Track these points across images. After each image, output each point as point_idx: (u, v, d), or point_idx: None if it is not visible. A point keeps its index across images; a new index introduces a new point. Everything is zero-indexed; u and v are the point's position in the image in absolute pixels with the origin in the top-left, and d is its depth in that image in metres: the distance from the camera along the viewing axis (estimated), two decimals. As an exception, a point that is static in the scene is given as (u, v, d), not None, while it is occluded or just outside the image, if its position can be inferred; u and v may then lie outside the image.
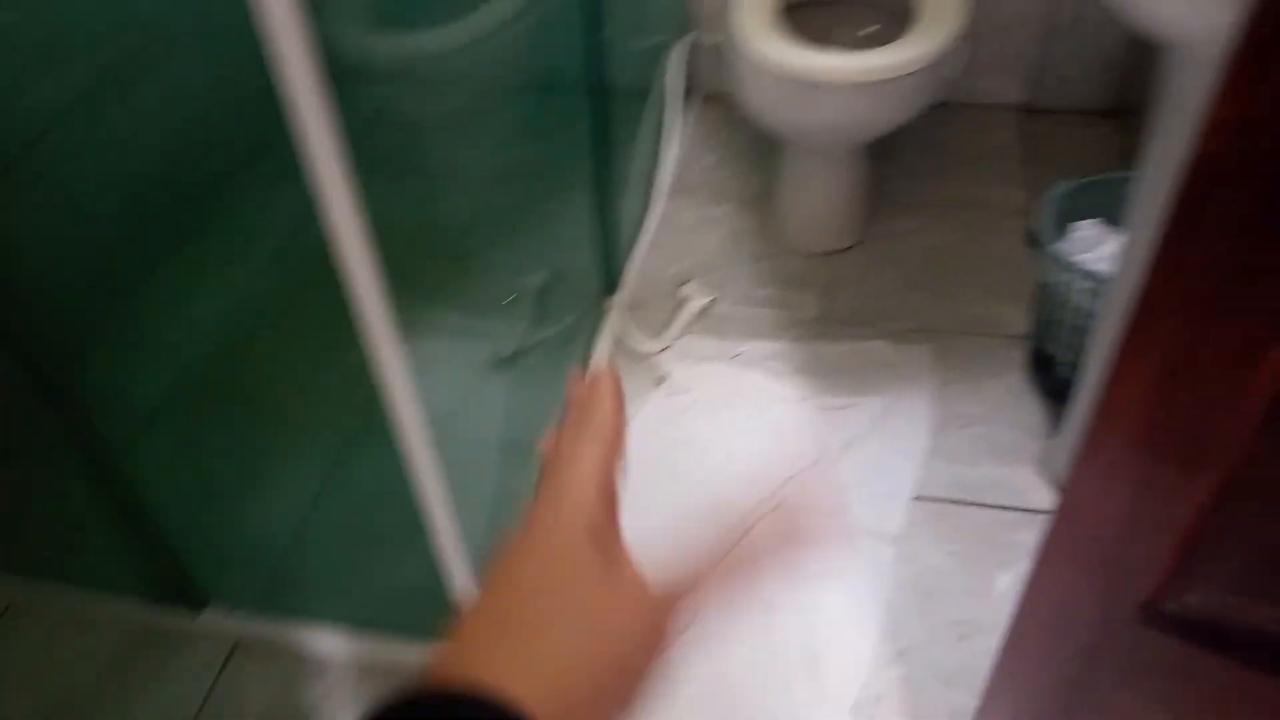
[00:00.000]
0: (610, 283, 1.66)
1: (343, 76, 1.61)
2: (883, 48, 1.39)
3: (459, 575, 1.09)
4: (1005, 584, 1.27)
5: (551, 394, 1.51)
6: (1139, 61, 1.77)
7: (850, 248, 1.75)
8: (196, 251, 1.35)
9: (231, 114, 1.33)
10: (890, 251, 1.74)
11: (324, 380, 1.40)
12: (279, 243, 1.43)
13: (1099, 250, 1.31)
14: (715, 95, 2.08)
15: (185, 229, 1.34)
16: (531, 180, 1.76)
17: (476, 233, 1.69)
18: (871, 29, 1.63)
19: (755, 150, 1.96)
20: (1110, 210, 1.37)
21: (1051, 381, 1.42)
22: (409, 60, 1.57)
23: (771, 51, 1.41)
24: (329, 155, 0.78)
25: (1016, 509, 1.35)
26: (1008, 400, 1.48)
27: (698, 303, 1.66)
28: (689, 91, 2.08)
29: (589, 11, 1.42)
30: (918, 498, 1.37)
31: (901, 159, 1.90)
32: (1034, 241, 1.39)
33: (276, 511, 1.41)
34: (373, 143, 1.60)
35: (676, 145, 1.93)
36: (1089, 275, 1.24)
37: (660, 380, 1.57)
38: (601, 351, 1.59)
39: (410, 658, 1.25)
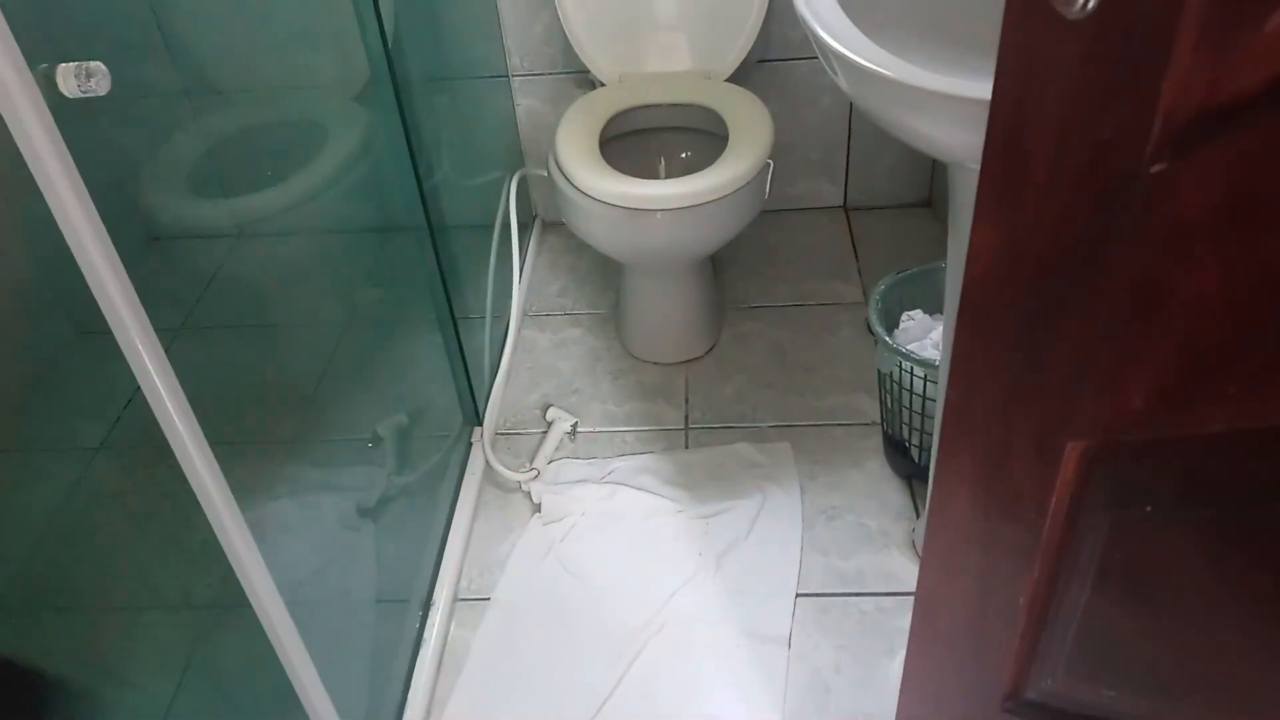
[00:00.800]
0: (473, 416, 1.65)
1: (168, 242, 1.58)
2: (701, 172, 1.46)
3: (335, 751, 1.03)
4: (895, 671, 1.29)
5: (421, 540, 1.47)
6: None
7: (704, 354, 1.79)
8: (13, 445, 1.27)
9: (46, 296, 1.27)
10: (743, 353, 1.79)
11: (173, 561, 1.33)
12: (106, 425, 1.36)
13: (928, 338, 1.39)
14: (554, 222, 2.13)
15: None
16: (380, 323, 1.75)
17: (327, 382, 1.65)
18: (687, 154, 1.72)
19: (600, 270, 2.01)
20: (934, 298, 1.46)
21: (908, 465, 1.48)
22: (239, 222, 1.55)
23: (596, 185, 1.46)
24: (138, 326, 0.75)
25: (895, 594, 1.38)
26: (871, 487, 1.52)
27: (563, 426, 1.66)
28: (529, 221, 2.13)
29: (419, 156, 1.44)
30: (801, 595, 1.38)
31: (741, 264, 1.99)
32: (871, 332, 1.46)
33: (137, 706, 1.30)
34: (206, 303, 1.57)
35: (523, 273, 1.96)
36: (921, 363, 1.31)
37: (535, 509, 1.55)
38: (471, 487, 1.56)
39: None
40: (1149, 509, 0.51)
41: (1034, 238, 0.49)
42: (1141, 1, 0.40)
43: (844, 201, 2.12)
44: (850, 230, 2.07)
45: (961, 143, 0.82)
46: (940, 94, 0.76)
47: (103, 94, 0.67)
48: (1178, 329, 0.45)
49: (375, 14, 1.35)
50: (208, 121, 1.66)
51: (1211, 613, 0.52)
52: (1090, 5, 0.42)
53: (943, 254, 1.17)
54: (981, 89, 0.75)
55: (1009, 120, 0.47)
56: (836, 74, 0.90)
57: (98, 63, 0.68)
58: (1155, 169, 0.42)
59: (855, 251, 2.01)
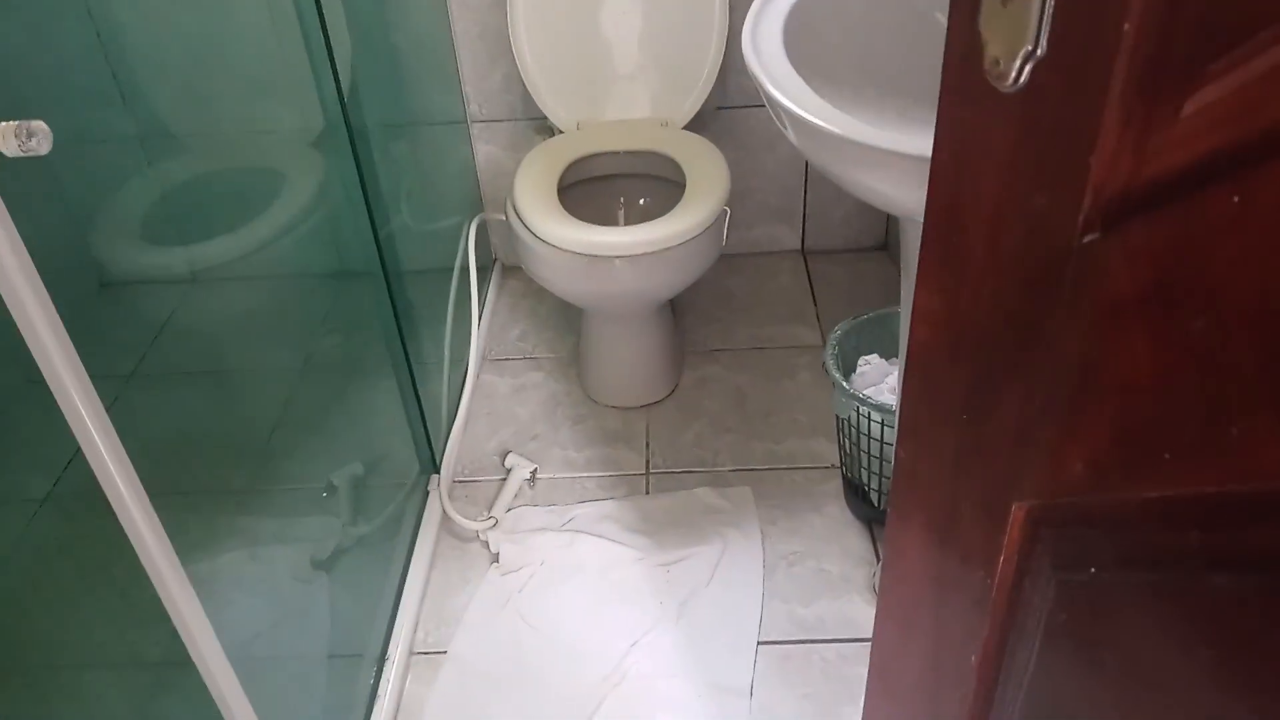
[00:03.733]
0: (430, 464, 1.63)
1: (119, 288, 1.55)
2: (659, 219, 1.47)
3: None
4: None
5: (376, 592, 1.44)
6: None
7: (664, 398, 1.79)
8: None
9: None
10: (702, 398, 1.79)
11: (119, 618, 1.29)
12: (45, 479, 1.33)
13: (884, 382, 1.40)
14: (514, 266, 2.13)
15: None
16: (335, 370, 1.73)
17: (281, 430, 1.62)
18: (645, 200, 1.74)
19: (560, 315, 2.01)
20: (890, 344, 1.48)
21: (868, 509, 1.48)
22: (192, 269, 1.53)
23: (554, 232, 1.46)
24: (76, 382, 0.73)
25: (856, 640, 1.37)
26: (831, 532, 1.52)
27: (522, 473, 1.65)
28: (488, 265, 2.13)
29: (375, 202, 1.44)
30: (762, 643, 1.37)
31: (700, 308, 2.00)
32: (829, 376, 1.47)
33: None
34: (157, 351, 1.54)
35: (482, 318, 1.95)
36: (878, 408, 1.31)
37: (493, 559, 1.53)
38: (428, 537, 1.54)
39: None
40: (1093, 571, 0.52)
41: (974, 307, 0.50)
42: (1069, 78, 0.41)
43: (802, 246, 2.15)
44: (808, 274, 2.09)
45: (906, 197, 0.83)
46: (881, 149, 0.78)
47: (44, 153, 0.66)
48: (1112, 403, 0.45)
49: (330, 62, 1.34)
50: (161, 168, 1.65)
51: (1158, 677, 0.52)
52: (1022, 80, 0.43)
53: (899, 298, 1.18)
54: (922, 145, 0.76)
55: (947, 190, 0.48)
56: (785, 127, 0.92)
57: (39, 122, 0.67)
58: (1087, 241, 0.42)
59: (813, 295, 2.03)
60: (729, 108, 1.91)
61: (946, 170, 0.47)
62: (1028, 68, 0.42)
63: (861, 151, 0.81)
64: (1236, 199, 0.41)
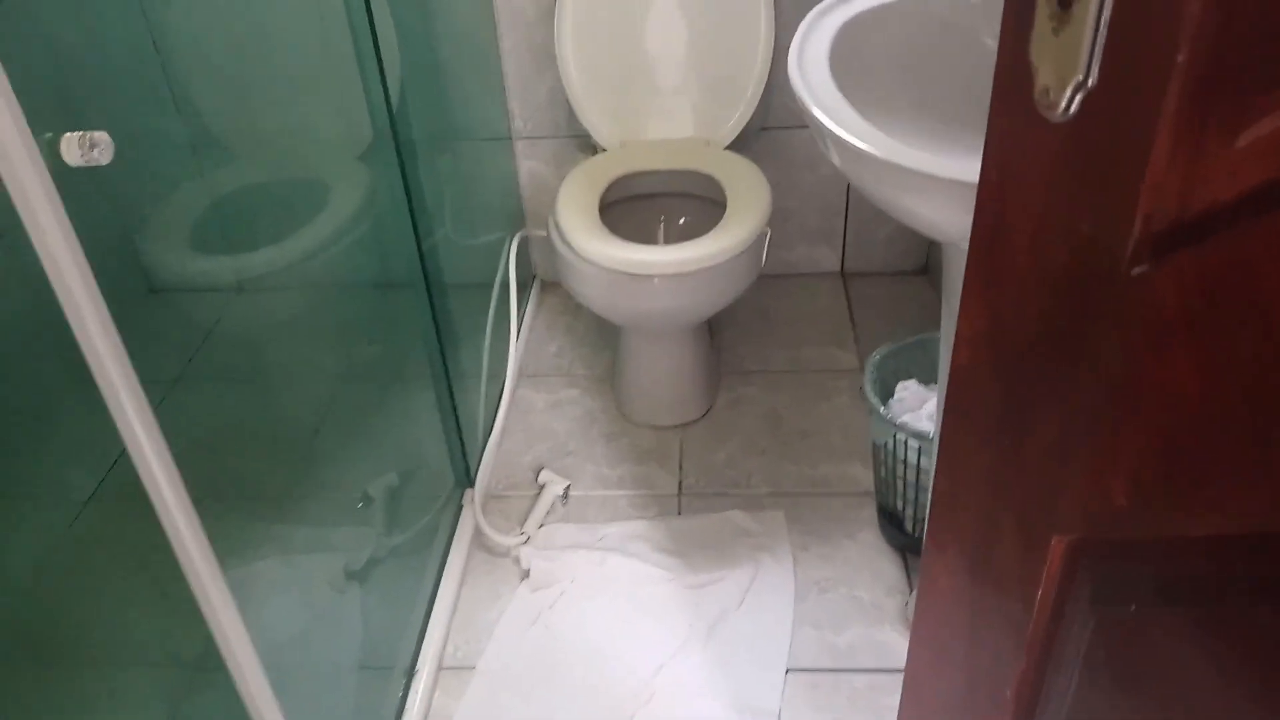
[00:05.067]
0: (465, 477, 1.64)
1: (168, 295, 1.58)
2: (699, 239, 1.47)
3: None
4: (885, 750, 1.26)
5: (407, 604, 1.45)
6: (938, 226, 1.94)
7: (699, 419, 1.79)
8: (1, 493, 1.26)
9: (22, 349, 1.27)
10: (737, 419, 1.79)
11: (158, 618, 1.31)
12: (90, 477, 1.36)
13: (923, 409, 1.39)
14: (553, 283, 2.14)
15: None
16: (375, 380, 1.75)
17: (320, 439, 1.64)
18: (685, 219, 1.74)
19: (597, 332, 2.01)
20: (928, 369, 1.46)
21: (902, 537, 1.47)
22: (239, 278, 1.56)
23: (595, 249, 1.47)
24: (126, 387, 0.75)
25: (888, 670, 1.35)
26: (865, 559, 1.51)
27: (555, 489, 1.65)
28: (527, 281, 2.14)
29: (420, 216, 1.46)
30: (791, 669, 1.36)
31: (737, 328, 1.99)
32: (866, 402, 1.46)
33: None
34: (202, 357, 1.57)
35: (520, 333, 1.97)
36: (916, 434, 1.30)
37: (524, 575, 1.53)
38: (460, 551, 1.55)
39: None
40: (1135, 606, 0.51)
41: (1017, 329, 0.49)
42: (1120, 109, 0.41)
43: (841, 267, 2.14)
44: (847, 296, 2.08)
45: (949, 222, 0.82)
46: (925, 174, 0.77)
47: (105, 163, 0.68)
48: (1157, 428, 0.45)
49: (380, 75, 1.37)
50: (212, 177, 1.69)
51: (1201, 712, 0.51)
52: (1072, 110, 0.42)
53: (938, 323, 1.17)
54: (967, 170, 0.76)
55: (994, 214, 0.47)
56: (829, 149, 0.92)
57: (102, 133, 0.69)
58: (1135, 271, 0.42)
59: (852, 317, 2.02)
60: (772, 128, 1.92)
61: (993, 194, 0.47)
62: (1078, 97, 0.41)
63: (905, 175, 0.80)
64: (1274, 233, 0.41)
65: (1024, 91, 0.45)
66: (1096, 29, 0.41)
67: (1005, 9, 0.45)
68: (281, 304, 1.65)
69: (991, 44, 1.02)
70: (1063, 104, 0.43)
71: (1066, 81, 0.42)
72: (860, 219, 2.06)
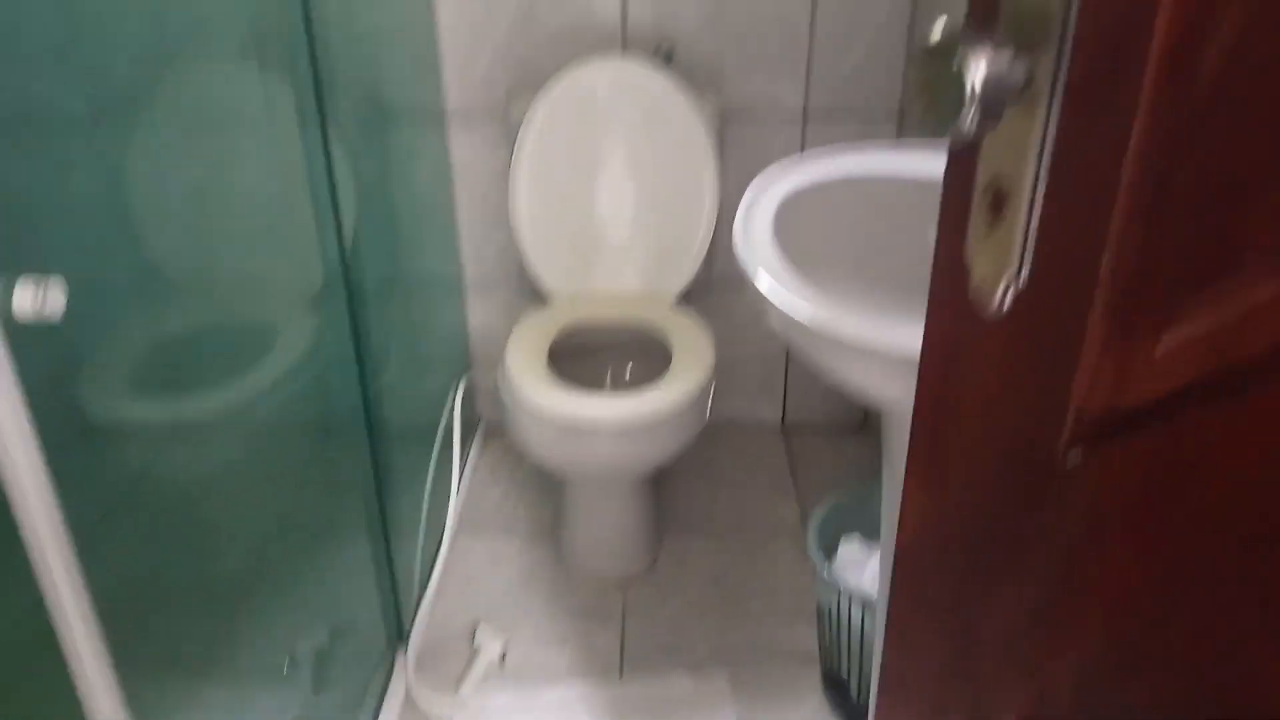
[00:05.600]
0: (398, 635, 1.57)
1: (102, 435, 1.53)
2: (646, 391, 1.48)
3: None
4: None
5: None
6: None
7: (643, 572, 1.76)
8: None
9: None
10: (681, 576, 1.76)
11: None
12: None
13: (865, 569, 1.38)
14: (497, 430, 2.13)
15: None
16: (309, 530, 1.69)
17: (249, 592, 1.57)
18: (631, 369, 1.77)
19: (541, 483, 1.99)
20: (872, 524, 1.47)
21: (848, 705, 1.43)
22: (178, 421, 1.52)
23: (542, 401, 1.47)
24: (50, 523, 0.71)
25: (834, 846, 1.29)
26: (810, 725, 1.46)
27: (492, 650, 1.59)
28: (471, 428, 2.13)
29: (366, 361, 1.45)
30: (734, 846, 1.29)
31: (681, 481, 1.99)
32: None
33: None
34: (132, 502, 1.51)
35: (462, 482, 1.94)
36: (860, 598, 1.29)
37: (455, 740, 1.45)
38: (390, 715, 1.46)
39: None
40: (1087, 799, 0.50)
41: (960, 516, 0.50)
42: (1051, 309, 0.43)
43: (782, 420, 2.17)
44: (789, 449, 2.10)
45: (887, 393, 0.85)
46: (864, 348, 0.80)
47: (56, 319, 0.68)
48: (1101, 616, 0.45)
49: (335, 222, 1.39)
50: (159, 319, 1.67)
51: None
52: (1005, 307, 0.44)
53: (879, 476, 1.18)
54: (904, 343, 0.78)
55: (934, 403, 0.49)
56: (773, 320, 0.94)
57: (57, 285, 0.68)
58: (1071, 463, 0.43)
59: (793, 471, 2.03)
60: (717, 282, 1.97)
61: (933, 385, 0.48)
62: (1009, 296, 0.44)
63: (843, 347, 0.83)
64: (1212, 426, 0.42)
65: (960, 287, 0.47)
66: (1026, 234, 0.44)
67: (942, 208, 0.48)
68: (218, 449, 1.61)
69: (931, 228, 1.08)
70: (996, 301, 0.45)
71: (1000, 280, 0.44)
72: (800, 373, 2.10)
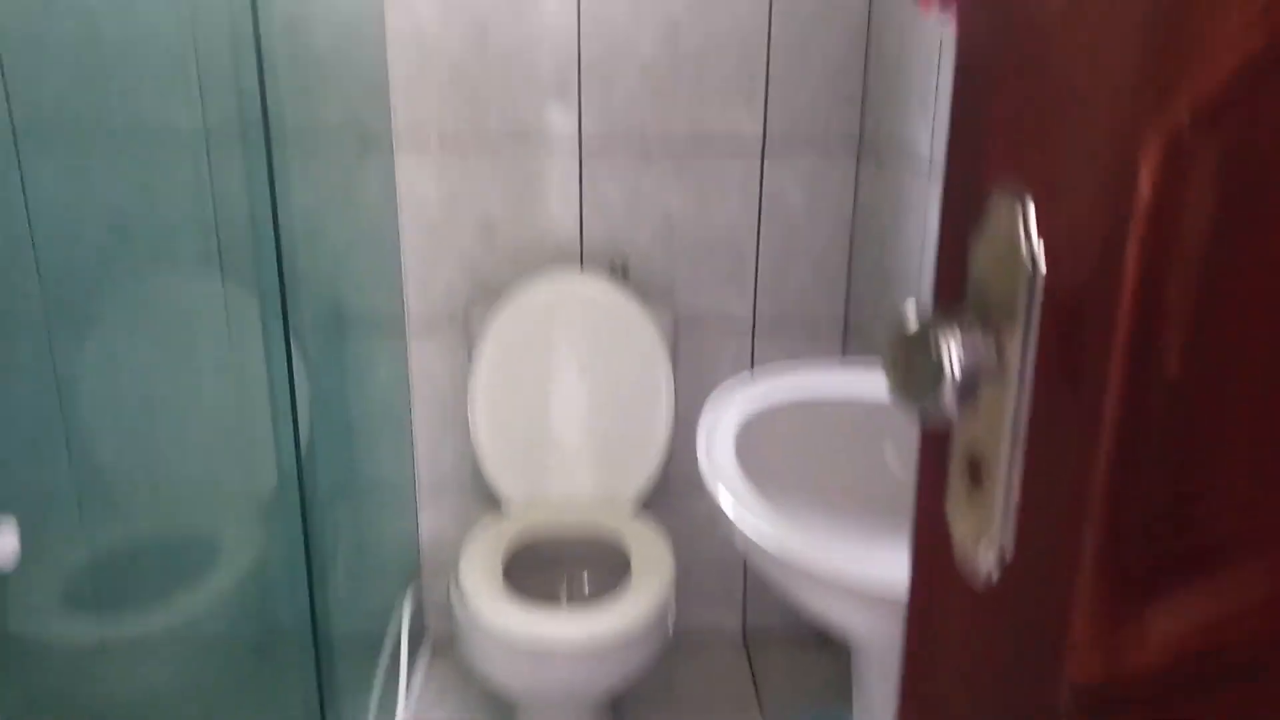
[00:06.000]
0: None
1: (28, 653, 1.44)
2: (606, 607, 1.45)
3: None
4: None
5: None
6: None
7: (598, 801, 1.65)
8: None
9: None
10: (640, 802, 1.65)
11: None
12: None
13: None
14: (445, 644, 2.04)
15: None
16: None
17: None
18: (589, 579, 1.73)
19: (492, 705, 1.89)
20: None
21: None
22: (107, 639, 1.44)
23: (500, 619, 1.42)
24: None
25: None
26: None
27: None
28: (418, 640, 2.04)
29: (316, 572, 1.40)
30: None
31: (640, 701, 1.90)
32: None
33: None
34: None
35: (409, 702, 1.83)
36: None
37: None
38: None
39: None
40: None
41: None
42: (1037, 578, 0.44)
43: (743, 627, 2.11)
44: (751, 662, 2.03)
45: (862, 627, 0.84)
46: (837, 583, 0.79)
47: (9, 568, 0.65)
48: None
49: (293, 428, 1.37)
50: (96, 529, 1.61)
51: None
52: (994, 578, 0.45)
53: (844, 693, 1.14)
54: (875, 573, 0.78)
55: (921, 671, 0.48)
56: (734, 539, 0.94)
57: (8, 522, 0.66)
58: (1068, 737, 0.42)
59: (757, 686, 1.96)
60: (674, 487, 1.97)
61: (921, 653, 0.48)
62: (997, 568, 0.44)
63: (814, 579, 0.82)
64: (1209, 702, 0.42)
65: (942, 550, 0.47)
66: (1006, 504, 0.45)
67: (920, 472, 0.50)
68: (153, 668, 1.51)
69: (892, 453, 1.11)
70: (983, 572, 0.45)
71: (982, 545, 0.45)
72: (760, 581, 2.07)
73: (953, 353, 0.43)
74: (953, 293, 0.46)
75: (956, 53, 0.44)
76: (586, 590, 1.73)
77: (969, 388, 0.43)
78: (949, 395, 0.42)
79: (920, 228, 1.49)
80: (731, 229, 1.86)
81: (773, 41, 1.77)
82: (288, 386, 1.37)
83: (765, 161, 1.83)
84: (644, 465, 1.79)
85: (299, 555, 1.41)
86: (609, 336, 1.77)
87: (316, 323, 1.62)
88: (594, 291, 1.76)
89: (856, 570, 0.81)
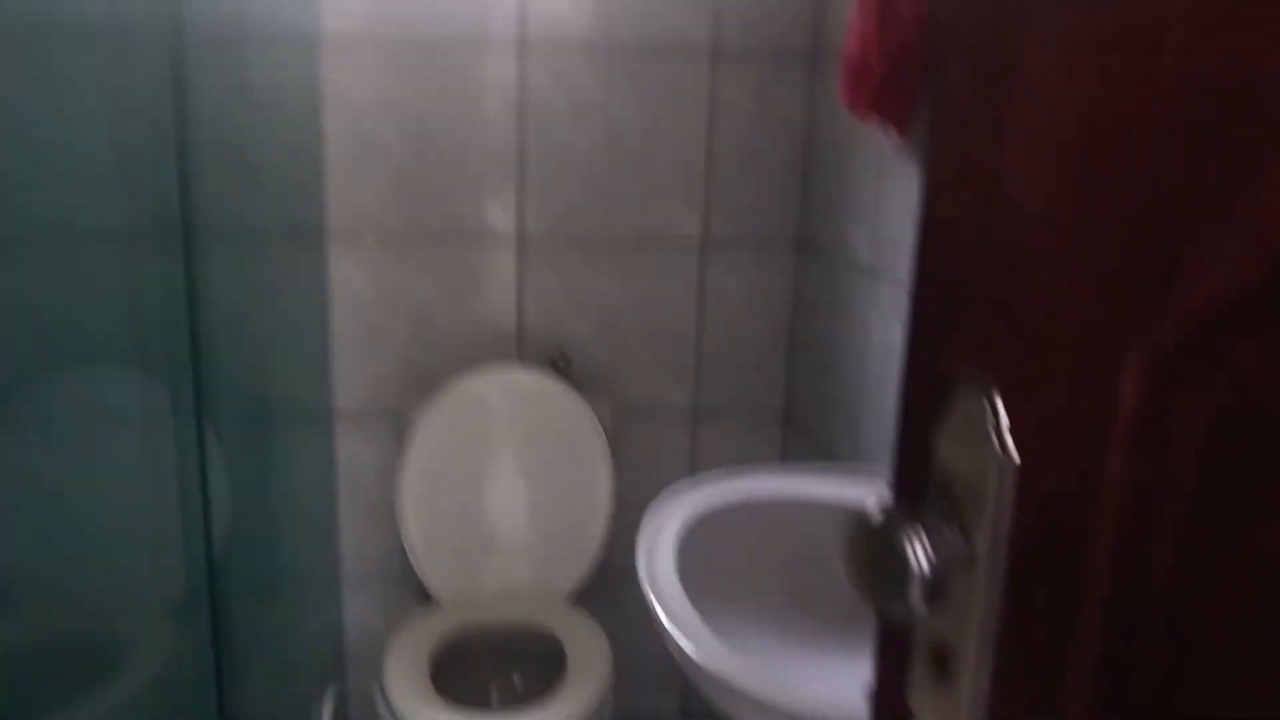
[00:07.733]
0: None
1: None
2: (539, 711, 1.39)
3: None
4: None
5: None
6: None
7: None
8: None
9: None
10: None
11: None
12: None
13: None
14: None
15: None
16: None
17: None
18: (520, 679, 1.66)
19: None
20: None
21: None
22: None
23: (428, 728, 1.35)
24: None
25: None
26: None
27: None
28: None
29: (224, 676, 1.31)
30: None
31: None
32: None
33: None
34: None
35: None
36: None
37: None
38: None
39: None
40: None
41: None
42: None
43: (682, 708, 2.06)
44: (688, 757, 1.97)
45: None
46: (761, 701, 0.77)
47: None
48: None
49: (204, 524, 1.29)
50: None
51: None
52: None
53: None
54: (807, 695, 0.76)
55: None
56: (675, 656, 0.91)
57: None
58: None
59: (693, 784, 1.90)
60: (611, 576, 1.92)
61: None
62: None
63: (755, 704, 0.80)
64: None
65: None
66: (975, 699, 0.43)
67: (878, 655, 0.47)
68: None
69: (827, 547, 1.09)
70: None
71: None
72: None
73: (920, 549, 0.41)
74: (914, 481, 0.44)
75: (919, 237, 0.43)
76: (519, 689, 1.66)
77: (939, 586, 0.41)
78: (917, 594, 0.40)
79: (859, 325, 1.50)
80: (672, 322, 1.85)
81: (713, 143, 1.78)
82: (199, 482, 1.31)
83: (706, 257, 1.83)
84: (581, 558, 1.74)
85: (207, 659, 1.33)
86: (546, 429, 1.73)
87: (239, 415, 1.55)
88: (531, 384, 1.72)
89: (792, 698, 0.79)
